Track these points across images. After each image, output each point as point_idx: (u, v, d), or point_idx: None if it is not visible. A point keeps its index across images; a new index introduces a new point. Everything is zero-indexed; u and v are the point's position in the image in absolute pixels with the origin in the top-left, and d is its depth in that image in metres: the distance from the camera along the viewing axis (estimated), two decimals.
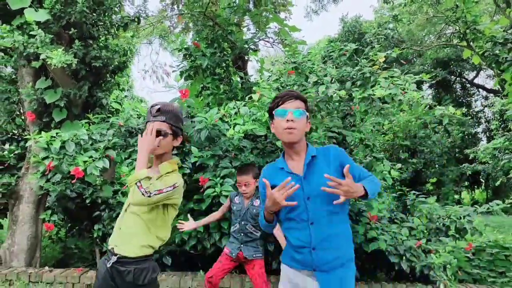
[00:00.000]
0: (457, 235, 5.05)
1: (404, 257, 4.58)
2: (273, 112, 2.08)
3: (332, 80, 4.48)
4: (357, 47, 4.65)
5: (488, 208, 5.25)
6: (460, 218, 5.08)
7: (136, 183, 2.00)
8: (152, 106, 2.24)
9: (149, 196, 2.00)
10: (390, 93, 3.85)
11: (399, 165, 5.13)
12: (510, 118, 8.46)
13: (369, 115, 4.50)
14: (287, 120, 1.98)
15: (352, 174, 1.97)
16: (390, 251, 4.53)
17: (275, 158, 4.86)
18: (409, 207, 5.72)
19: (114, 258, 2.16)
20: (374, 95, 3.89)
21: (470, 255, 6.04)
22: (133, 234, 2.18)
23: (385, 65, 4.40)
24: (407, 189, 5.86)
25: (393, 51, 4.32)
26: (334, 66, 4.83)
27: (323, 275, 1.96)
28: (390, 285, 4.67)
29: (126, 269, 2.14)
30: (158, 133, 2.16)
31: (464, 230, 5.02)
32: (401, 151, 7.04)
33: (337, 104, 4.36)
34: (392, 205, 6.05)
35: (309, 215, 1.99)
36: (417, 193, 5.67)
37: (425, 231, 5.06)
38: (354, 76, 4.41)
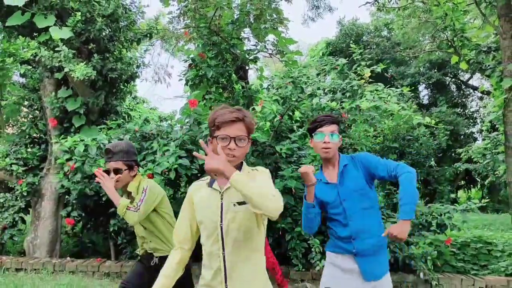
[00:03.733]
0: (438, 230, 5.60)
1: (388, 249, 5.12)
2: (313, 134, 2.52)
3: (325, 91, 5.04)
4: (347, 62, 5.20)
5: (466, 207, 5.83)
6: (441, 215, 5.62)
7: (126, 209, 2.57)
8: (105, 149, 2.76)
9: (138, 210, 2.57)
10: (374, 105, 4.41)
11: None
12: (494, 120, 9.01)
13: (357, 122, 5.06)
14: (324, 142, 2.45)
15: (379, 176, 2.44)
16: None
17: (274, 159, 5.43)
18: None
19: (155, 259, 2.74)
20: (360, 106, 4.45)
21: (456, 249, 6.57)
22: (157, 240, 2.75)
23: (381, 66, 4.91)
24: (395, 189, 6.39)
25: (378, 66, 4.86)
26: (331, 70, 5.35)
27: (362, 259, 2.43)
28: None
29: None
30: (116, 171, 2.66)
31: (444, 225, 5.56)
32: (390, 152, 7.64)
33: (328, 112, 4.91)
34: (382, 203, 6.58)
35: (346, 213, 2.46)
36: None
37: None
38: (344, 88, 4.96)
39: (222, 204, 1.78)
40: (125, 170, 2.70)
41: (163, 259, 2.64)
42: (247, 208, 1.70)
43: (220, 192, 1.80)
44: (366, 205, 2.48)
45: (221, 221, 1.76)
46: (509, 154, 6.13)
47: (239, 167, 1.85)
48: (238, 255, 1.76)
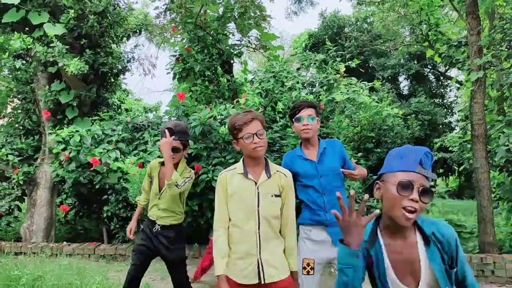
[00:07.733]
0: None
1: None
2: (293, 119, 2.87)
3: (304, 84, 5.44)
4: (324, 57, 5.60)
5: (435, 191, 6.35)
6: None
7: (175, 184, 2.88)
8: (166, 127, 2.98)
9: (181, 187, 2.93)
10: (348, 97, 4.84)
11: (360, 154, 6.13)
12: (463, 111, 9.52)
13: (334, 114, 5.48)
14: (303, 124, 2.80)
15: (348, 166, 2.89)
16: None
17: None
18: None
19: (157, 227, 3.07)
20: (335, 99, 4.87)
21: None
22: (169, 210, 3.10)
23: (362, 58, 5.32)
24: (371, 175, 6.87)
25: (353, 62, 5.28)
26: (309, 65, 5.73)
27: (334, 229, 2.74)
28: None
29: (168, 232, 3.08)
30: (174, 149, 2.91)
31: None
32: (367, 142, 8.12)
33: None
34: (359, 189, 7.06)
35: (322, 187, 2.79)
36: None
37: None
38: (322, 82, 5.38)
39: (259, 193, 2.25)
40: (182, 149, 2.97)
41: (163, 228, 3.09)
42: (279, 199, 2.28)
43: (255, 183, 2.26)
44: (338, 183, 2.85)
45: (258, 206, 2.24)
46: (475, 142, 6.59)
47: (265, 164, 2.32)
48: (269, 233, 2.25)
